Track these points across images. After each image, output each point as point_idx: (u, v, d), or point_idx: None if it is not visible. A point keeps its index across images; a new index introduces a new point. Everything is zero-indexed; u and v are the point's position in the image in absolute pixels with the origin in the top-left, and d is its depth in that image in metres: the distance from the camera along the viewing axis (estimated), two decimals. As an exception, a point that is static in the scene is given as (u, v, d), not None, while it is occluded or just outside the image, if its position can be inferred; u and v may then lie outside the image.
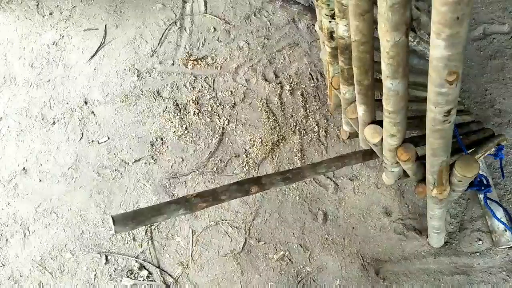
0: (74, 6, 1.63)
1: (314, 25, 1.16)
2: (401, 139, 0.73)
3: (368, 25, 0.57)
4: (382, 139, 0.78)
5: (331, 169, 1.00)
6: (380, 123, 0.80)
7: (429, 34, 1.14)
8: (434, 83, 0.50)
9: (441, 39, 0.42)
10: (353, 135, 1.08)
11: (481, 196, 1.22)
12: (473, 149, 0.89)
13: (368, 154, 0.96)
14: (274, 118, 1.41)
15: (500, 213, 1.18)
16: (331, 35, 0.76)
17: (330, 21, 0.73)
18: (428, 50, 1.14)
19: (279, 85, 1.45)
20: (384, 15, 0.47)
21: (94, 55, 1.54)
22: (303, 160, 1.34)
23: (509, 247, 1.18)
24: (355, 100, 0.80)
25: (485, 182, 0.86)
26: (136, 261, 1.25)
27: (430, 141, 0.65)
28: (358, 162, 1.02)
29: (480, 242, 1.20)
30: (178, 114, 1.43)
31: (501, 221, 1.00)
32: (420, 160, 0.77)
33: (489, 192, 0.88)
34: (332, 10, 0.68)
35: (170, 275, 1.23)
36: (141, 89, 1.47)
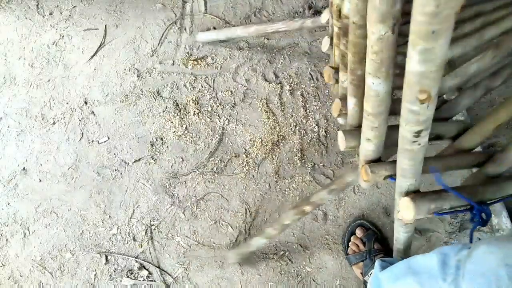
0: (74, 6, 1.63)
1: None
2: (377, 145, 0.68)
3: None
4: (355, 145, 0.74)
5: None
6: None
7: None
8: (406, 98, 0.46)
9: (415, 51, 0.40)
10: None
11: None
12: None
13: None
14: (274, 118, 1.41)
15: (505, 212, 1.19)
16: (339, 13, 0.71)
17: None
18: None
19: (279, 85, 1.45)
20: (373, 1, 0.44)
21: (94, 55, 1.54)
22: (303, 160, 1.35)
23: None
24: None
25: (484, 217, 0.68)
26: (136, 261, 1.25)
27: (400, 159, 0.59)
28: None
29: (480, 242, 1.20)
30: (178, 114, 1.43)
31: None
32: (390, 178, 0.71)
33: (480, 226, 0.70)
34: None
35: (170, 275, 1.24)
36: (141, 89, 1.47)
